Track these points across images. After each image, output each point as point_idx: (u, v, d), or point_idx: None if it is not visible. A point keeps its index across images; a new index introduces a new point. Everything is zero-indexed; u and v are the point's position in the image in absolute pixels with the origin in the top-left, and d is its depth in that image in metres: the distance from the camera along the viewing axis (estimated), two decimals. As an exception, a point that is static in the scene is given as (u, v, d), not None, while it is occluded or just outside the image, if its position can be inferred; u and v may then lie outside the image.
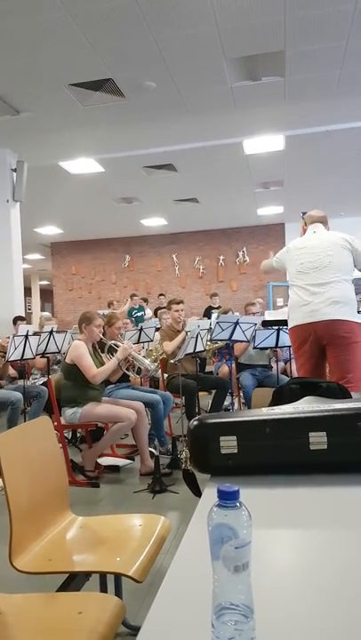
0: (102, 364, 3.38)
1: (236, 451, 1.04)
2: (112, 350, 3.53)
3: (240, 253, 11.78)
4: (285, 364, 5.15)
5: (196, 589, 0.61)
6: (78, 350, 3.25)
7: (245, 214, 10.49)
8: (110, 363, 3.35)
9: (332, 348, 2.60)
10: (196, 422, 1.09)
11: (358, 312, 2.74)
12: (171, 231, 11.64)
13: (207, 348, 4.54)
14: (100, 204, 9.10)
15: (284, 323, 4.03)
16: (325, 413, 1.07)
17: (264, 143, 6.40)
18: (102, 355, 3.54)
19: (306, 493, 0.92)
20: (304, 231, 3.02)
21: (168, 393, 4.01)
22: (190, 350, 3.75)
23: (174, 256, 12.05)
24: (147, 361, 3.67)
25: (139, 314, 9.24)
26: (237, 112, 5.52)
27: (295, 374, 3.73)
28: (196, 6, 3.67)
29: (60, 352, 4.38)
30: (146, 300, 9.99)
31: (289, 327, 2.81)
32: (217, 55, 4.36)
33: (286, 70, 4.66)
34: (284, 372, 5.06)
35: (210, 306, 9.66)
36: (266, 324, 3.95)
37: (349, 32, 4.07)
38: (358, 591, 0.60)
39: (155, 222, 10.74)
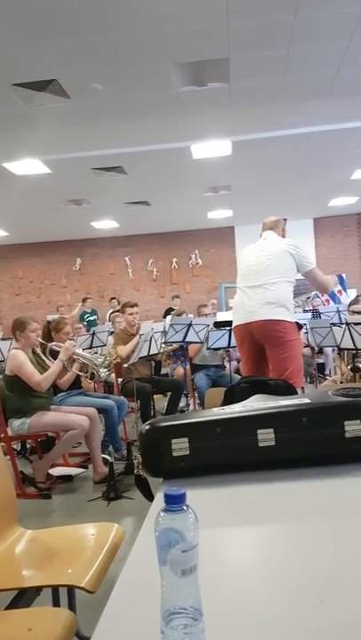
0: (47, 370, 3.26)
1: (188, 452, 1.05)
2: (56, 354, 3.42)
3: (193, 256, 11.88)
4: (238, 363, 5.24)
5: (146, 596, 0.60)
6: (17, 359, 3.11)
7: (197, 217, 10.59)
8: (54, 366, 3.23)
9: (269, 347, 2.75)
10: (147, 426, 1.08)
11: (305, 311, 2.87)
12: (123, 233, 11.56)
13: (162, 350, 4.53)
14: (48, 205, 8.90)
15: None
16: (272, 410, 1.09)
17: (212, 148, 6.49)
18: (47, 360, 3.41)
19: (257, 490, 0.94)
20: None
21: (123, 398, 3.97)
22: (144, 353, 3.73)
23: (127, 259, 11.98)
24: (97, 359, 3.58)
25: (91, 318, 9.11)
26: (184, 117, 5.57)
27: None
28: (142, 11, 3.67)
29: (4, 361, 4.23)
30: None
31: (232, 327, 2.96)
32: (163, 60, 4.38)
33: (231, 77, 4.75)
34: (238, 371, 5.15)
35: (170, 307, 9.68)
36: (218, 324, 4.00)
37: (291, 40, 4.21)
38: (315, 583, 0.61)
39: (106, 224, 10.63)
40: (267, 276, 2.79)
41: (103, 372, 3.69)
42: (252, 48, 4.28)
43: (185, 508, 0.53)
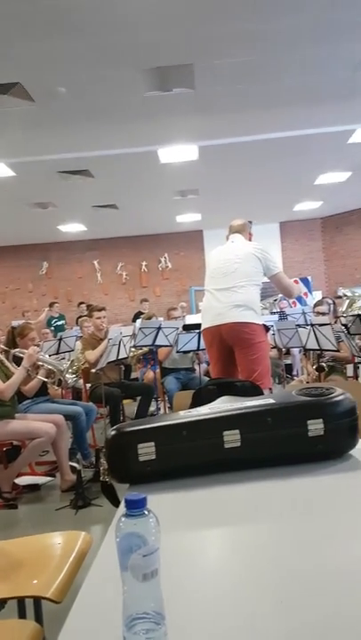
0: (10, 377, 3.17)
1: (154, 457, 1.04)
2: (20, 361, 3.34)
3: (162, 259, 11.89)
4: (208, 365, 5.27)
5: (110, 603, 0.60)
6: None
7: (165, 221, 10.62)
8: (17, 373, 3.15)
9: (238, 349, 2.77)
10: (113, 432, 1.08)
11: (272, 313, 2.92)
12: (91, 237, 11.44)
13: (131, 354, 4.51)
14: (12, 209, 8.72)
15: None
16: (238, 411, 1.11)
17: (179, 152, 6.53)
18: (11, 367, 3.32)
19: (222, 491, 0.94)
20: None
21: (91, 404, 3.92)
22: (113, 358, 3.70)
23: (96, 262, 11.87)
24: (63, 365, 3.51)
25: (59, 323, 8.96)
26: (151, 121, 5.58)
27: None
28: (107, 15, 3.67)
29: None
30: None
31: (201, 329, 3.00)
32: (128, 64, 4.38)
33: (196, 83, 4.79)
34: (208, 373, 5.18)
35: (139, 311, 9.63)
36: (187, 327, 4.02)
37: (254, 48, 4.29)
38: (277, 583, 0.62)
39: (73, 228, 10.50)
40: (235, 279, 2.82)
41: (70, 378, 3.63)
42: (216, 55, 4.34)
43: (146, 512, 0.53)
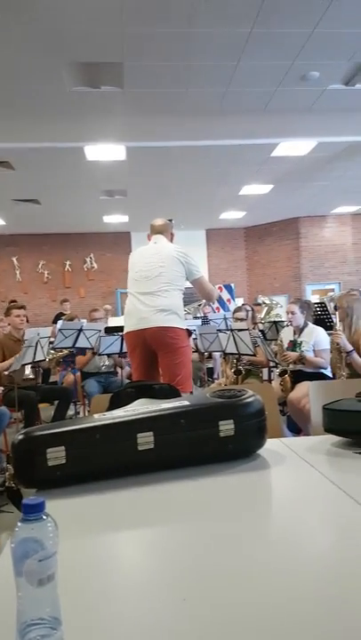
0: None
1: (64, 461, 1.02)
2: None
3: (88, 259, 11.66)
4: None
5: (8, 612, 0.57)
6: None
7: (92, 220, 10.43)
8: None
9: (162, 353, 2.77)
10: (20, 436, 1.03)
11: (195, 317, 2.95)
12: (10, 232, 10.93)
13: (50, 357, 4.36)
14: None
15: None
16: (152, 414, 1.11)
17: (106, 151, 6.46)
18: None
19: (135, 493, 0.94)
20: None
21: (3, 407, 3.73)
22: (29, 360, 3.55)
23: (15, 259, 11.35)
24: None
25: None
26: (77, 117, 5.47)
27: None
28: (35, 3, 3.54)
29: None
30: None
31: (124, 332, 2.92)
32: (55, 56, 4.26)
33: (125, 82, 4.77)
34: (130, 376, 5.15)
35: (60, 312, 9.31)
36: (109, 330, 3.96)
37: (184, 53, 4.36)
38: (180, 581, 0.63)
39: (-9, 222, 9.98)
40: (159, 283, 2.82)
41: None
42: (146, 56, 4.35)
43: (44, 516, 0.51)
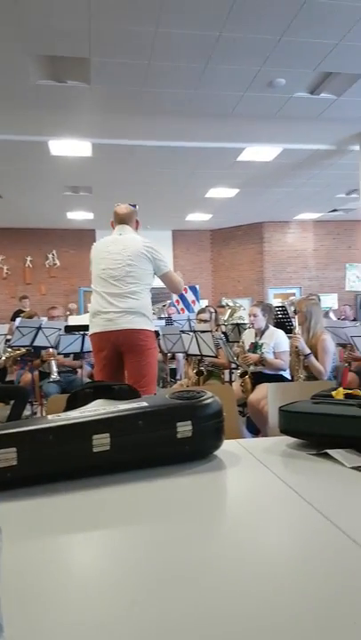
0: None
1: (15, 463, 0.98)
2: None
3: (50, 256, 11.43)
4: (92, 368, 5.17)
5: None
6: None
7: (55, 216, 10.23)
8: None
9: (130, 355, 2.71)
10: (-33, 437, 0.99)
11: (160, 318, 2.90)
12: (-31, 226, 10.60)
13: (7, 355, 4.24)
14: None
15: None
16: (109, 415, 1.09)
17: (71, 147, 6.36)
18: None
19: (90, 496, 0.92)
20: (112, 225, 3.00)
21: None
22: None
23: (-27, 253, 11.01)
24: None
25: None
26: (42, 111, 5.36)
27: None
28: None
29: None
30: None
31: (89, 333, 2.82)
32: (20, 48, 4.15)
33: (92, 78, 4.71)
34: (91, 376, 5.08)
35: (20, 309, 9.07)
36: (69, 329, 3.89)
37: (151, 53, 4.34)
38: (139, 583, 0.61)
39: None
40: (127, 283, 2.74)
41: None
42: (113, 53, 4.31)
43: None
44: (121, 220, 2.97)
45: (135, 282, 2.75)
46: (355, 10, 3.77)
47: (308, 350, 3.16)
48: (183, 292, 10.71)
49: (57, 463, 1.02)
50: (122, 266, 2.77)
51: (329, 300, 10.97)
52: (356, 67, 4.64)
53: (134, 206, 3.04)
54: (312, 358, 3.15)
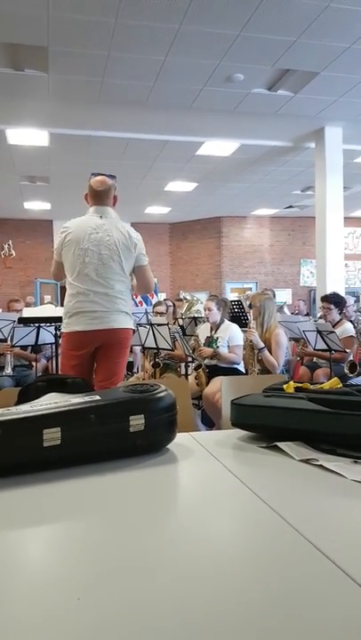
0: None
1: None
2: None
3: (6, 246, 11.08)
4: (47, 361, 5.07)
5: None
6: None
7: (11, 206, 9.92)
8: None
9: (108, 352, 2.58)
10: None
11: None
12: None
13: None
14: None
15: (46, 320, 3.92)
16: (61, 409, 1.08)
17: (28, 136, 6.20)
18: None
19: (38, 490, 0.90)
20: (86, 199, 2.65)
21: None
22: None
23: None
24: None
25: None
26: (-2, 97, 5.17)
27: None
28: None
29: None
30: None
31: (68, 330, 2.57)
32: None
33: (50, 67, 4.59)
34: (46, 369, 4.98)
35: None
36: (23, 320, 3.80)
37: (110, 43, 4.27)
38: (84, 579, 0.61)
39: None
40: (115, 281, 2.54)
41: None
42: (72, 43, 4.21)
43: None
44: (99, 197, 2.59)
45: (122, 279, 2.57)
46: (312, 7, 3.85)
47: (261, 344, 3.23)
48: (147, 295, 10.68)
49: (6, 458, 1.00)
50: (105, 259, 2.50)
51: (284, 295, 11.25)
52: (313, 64, 4.75)
53: (113, 178, 2.67)
54: (265, 352, 3.22)
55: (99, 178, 2.62)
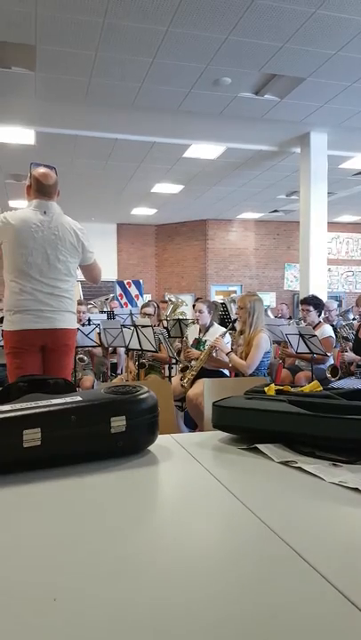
0: None
1: None
2: None
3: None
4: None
5: None
6: None
7: (-6, 204, 9.81)
8: None
9: (56, 355, 2.56)
10: None
11: (102, 312, 2.81)
12: None
13: None
14: None
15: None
16: (41, 410, 1.07)
17: (14, 134, 6.15)
18: None
19: (19, 492, 0.89)
20: (28, 191, 2.59)
21: None
22: None
23: None
24: None
25: None
26: (-17, 93, 5.11)
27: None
28: None
29: None
30: None
31: (10, 328, 2.50)
32: None
33: (37, 66, 4.56)
34: None
35: None
36: None
37: (98, 43, 4.26)
38: (59, 580, 0.61)
39: None
40: (61, 281, 2.51)
41: None
42: (60, 41, 4.19)
43: None
44: (46, 192, 2.53)
45: (67, 279, 2.54)
46: (299, 14, 3.90)
47: (228, 349, 3.33)
48: (127, 287, 10.64)
49: (-16, 459, 0.99)
50: (51, 259, 2.46)
51: (267, 299, 11.34)
52: (300, 70, 4.80)
53: (54, 169, 2.64)
54: (232, 355, 3.30)
55: (44, 170, 2.57)
